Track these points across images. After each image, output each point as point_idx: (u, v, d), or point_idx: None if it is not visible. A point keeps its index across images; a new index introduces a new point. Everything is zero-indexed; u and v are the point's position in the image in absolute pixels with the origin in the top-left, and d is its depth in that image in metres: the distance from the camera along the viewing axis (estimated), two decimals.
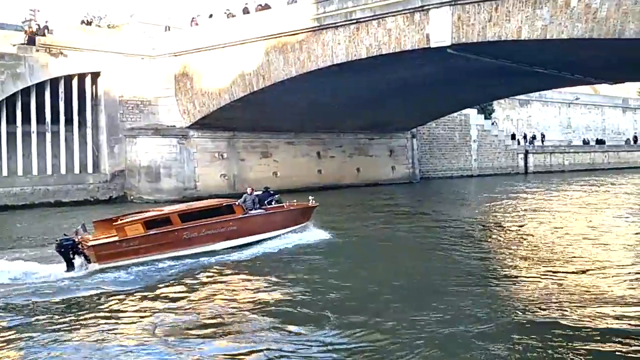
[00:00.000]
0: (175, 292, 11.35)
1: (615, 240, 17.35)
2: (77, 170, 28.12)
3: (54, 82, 27.13)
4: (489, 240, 18.28)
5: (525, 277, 12.46)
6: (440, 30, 20.09)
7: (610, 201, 28.95)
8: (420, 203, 30.06)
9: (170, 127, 29.74)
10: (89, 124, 28.51)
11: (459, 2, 19.54)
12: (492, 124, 52.04)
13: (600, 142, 63.29)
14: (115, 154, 29.23)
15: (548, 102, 61.66)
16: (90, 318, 9.73)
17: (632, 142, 67.65)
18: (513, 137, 54.06)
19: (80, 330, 9.12)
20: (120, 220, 14.55)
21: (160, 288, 11.67)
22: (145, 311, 10.15)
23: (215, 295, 11.19)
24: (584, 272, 12.90)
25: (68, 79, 27.57)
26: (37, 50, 26.44)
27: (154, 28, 31.21)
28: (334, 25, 23.17)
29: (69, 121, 27.71)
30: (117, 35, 30.78)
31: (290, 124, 32.72)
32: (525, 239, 17.69)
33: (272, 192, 18.34)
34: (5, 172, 25.94)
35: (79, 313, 10.05)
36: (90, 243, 13.56)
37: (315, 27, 23.79)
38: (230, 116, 29.07)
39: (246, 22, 26.81)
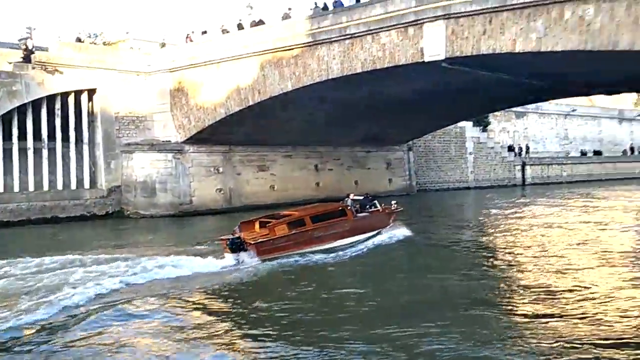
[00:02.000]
0: (313, 281, 13.96)
1: (614, 266, 15.55)
2: (73, 186, 28.00)
3: (51, 99, 27.10)
4: (486, 258, 17.68)
5: (523, 304, 11.66)
6: (435, 44, 20.15)
7: (610, 218, 28.03)
8: (419, 214, 29.77)
9: (166, 142, 29.74)
10: (85, 140, 28.43)
11: (452, 15, 19.61)
12: (487, 136, 52.16)
13: (597, 153, 63.47)
14: (111, 169, 29.17)
15: (544, 114, 61.91)
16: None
17: (629, 153, 67.82)
18: (510, 149, 54.17)
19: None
20: (265, 220, 17.38)
21: (302, 278, 14.36)
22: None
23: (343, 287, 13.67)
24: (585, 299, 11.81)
25: (64, 95, 27.56)
26: (33, 68, 26.44)
27: (149, 45, 31.34)
28: (328, 40, 23.25)
29: (65, 137, 27.62)
30: (113, 52, 30.88)
31: (287, 138, 32.72)
32: (523, 261, 16.57)
33: (370, 197, 20.81)
34: (1, 189, 25.80)
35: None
36: (252, 241, 16.03)
37: (310, 42, 23.87)
38: (226, 130, 29.09)
39: (240, 38, 26.91)
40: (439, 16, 19.89)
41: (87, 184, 28.51)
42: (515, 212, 29.83)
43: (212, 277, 14.20)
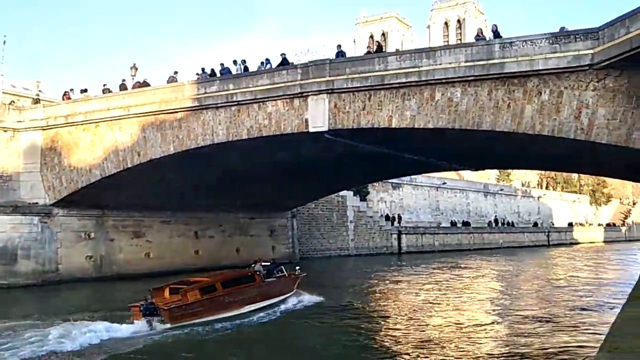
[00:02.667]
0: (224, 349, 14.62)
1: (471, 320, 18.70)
2: None
3: None
4: (368, 319, 18.88)
5: None
6: (318, 116, 20.81)
7: (470, 286, 30.57)
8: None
9: (33, 204, 27.43)
10: None
11: (335, 90, 20.49)
12: (367, 205, 54.08)
13: (466, 223, 67.98)
14: None
15: (418, 186, 65.72)
16: None
17: (493, 225, 73.43)
18: (387, 218, 56.42)
19: None
20: (181, 285, 17.69)
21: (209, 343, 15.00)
22: None
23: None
24: None
25: None
26: None
27: (21, 100, 29.36)
28: (214, 105, 23.20)
29: None
30: None
31: (166, 203, 31.56)
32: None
33: (277, 263, 22.14)
34: None
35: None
36: (165, 307, 16.16)
37: (195, 106, 23.65)
38: (100, 193, 27.52)
39: (123, 99, 26.05)
40: (323, 90, 20.68)
41: None
42: (396, 279, 31.36)
43: (123, 343, 14.38)
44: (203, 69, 25.69)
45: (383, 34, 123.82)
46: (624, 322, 4.09)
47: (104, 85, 28.41)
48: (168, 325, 15.86)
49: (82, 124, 26.93)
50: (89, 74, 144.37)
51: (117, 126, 25.84)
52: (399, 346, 14.85)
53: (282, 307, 19.59)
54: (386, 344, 15.22)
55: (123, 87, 27.53)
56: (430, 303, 22.75)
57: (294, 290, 21.30)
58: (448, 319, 18.57)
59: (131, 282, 28.11)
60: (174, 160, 24.86)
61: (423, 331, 16.76)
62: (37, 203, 27.50)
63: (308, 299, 20.97)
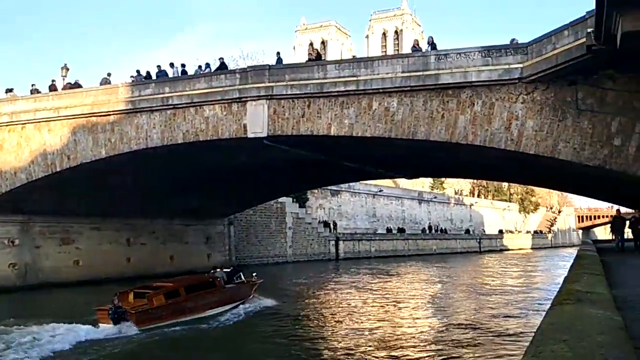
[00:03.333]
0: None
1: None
2: None
3: None
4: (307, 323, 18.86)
5: None
6: (257, 121, 20.67)
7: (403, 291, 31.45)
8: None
9: None
10: None
11: (275, 96, 20.43)
12: (305, 212, 54.18)
13: (401, 230, 69.32)
14: None
15: (356, 193, 66.46)
16: None
17: (427, 231, 75.26)
18: (326, 224, 56.71)
19: None
20: (145, 289, 18.64)
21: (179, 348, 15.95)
22: None
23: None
24: None
25: None
26: None
27: None
28: (149, 108, 22.62)
29: None
30: None
31: (97, 209, 30.36)
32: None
33: (236, 269, 23.79)
34: None
35: None
36: (132, 311, 16.95)
37: (129, 109, 22.98)
38: (26, 198, 26.19)
39: (52, 100, 24.94)
40: (262, 96, 20.57)
41: None
42: (332, 286, 31.61)
43: (96, 346, 14.90)
44: (138, 71, 25.06)
45: (323, 42, 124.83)
46: (547, 327, 4.22)
47: (32, 85, 27.15)
48: (135, 329, 16.56)
49: (7, 125, 25.59)
50: (16, 74, 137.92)
51: (46, 128, 24.73)
52: (335, 351, 15.14)
53: (241, 310, 20.63)
54: (321, 347, 15.76)
55: (53, 87, 26.41)
56: (365, 308, 23.24)
57: (252, 296, 22.48)
58: (377, 325, 19.05)
59: (59, 290, 26.95)
60: (106, 164, 24.02)
61: (354, 336, 17.15)
62: None
63: (263, 303, 22.27)
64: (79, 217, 30.26)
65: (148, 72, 24.44)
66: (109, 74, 26.17)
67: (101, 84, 25.07)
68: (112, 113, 23.28)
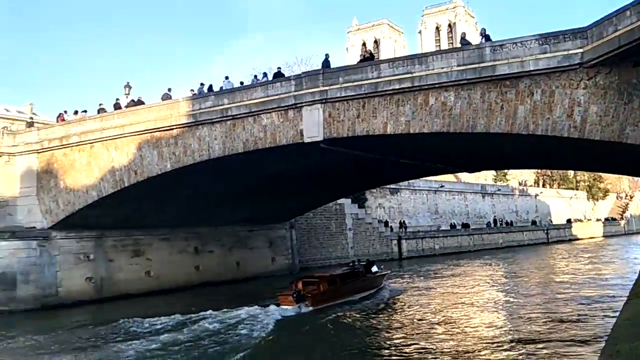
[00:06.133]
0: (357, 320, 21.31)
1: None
2: None
3: None
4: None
5: None
6: (313, 126, 20.86)
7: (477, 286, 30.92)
8: None
9: (30, 228, 27.32)
10: None
11: (329, 100, 20.56)
12: (365, 212, 54.07)
13: (465, 225, 67.96)
14: None
15: (416, 190, 65.75)
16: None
17: (492, 225, 73.47)
18: (386, 224, 56.39)
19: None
20: (309, 279, 24.71)
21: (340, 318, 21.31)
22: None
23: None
24: None
25: None
26: None
27: (15, 124, 29.34)
28: (210, 121, 23.24)
29: None
30: None
31: (165, 220, 31.45)
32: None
33: (371, 262, 28.86)
34: None
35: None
36: (309, 294, 22.76)
37: (191, 122, 23.68)
38: (98, 214, 27.42)
39: (118, 119, 26.06)
40: (317, 100, 20.75)
41: None
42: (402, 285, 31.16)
43: (292, 320, 20.74)
44: (202, 84, 25.84)
45: (375, 41, 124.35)
46: (623, 323, 4.08)
47: (100, 104, 28.44)
48: (310, 308, 22.03)
49: (77, 145, 26.92)
50: (83, 96, 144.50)
51: (112, 146, 25.85)
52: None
53: (379, 295, 26.39)
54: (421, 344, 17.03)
55: (117, 106, 27.56)
56: (436, 307, 23.42)
57: (383, 284, 28.16)
58: (456, 323, 19.37)
59: (132, 301, 28.01)
60: (171, 176, 24.87)
61: (438, 336, 17.61)
62: (34, 227, 27.39)
63: (395, 288, 28.91)
64: (148, 229, 31.44)
65: (210, 86, 25.19)
66: (169, 89, 27.11)
67: (162, 99, 25.96)
68: (174, 127, 24.08)
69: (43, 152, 27.79)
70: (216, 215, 33.74)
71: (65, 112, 29.99)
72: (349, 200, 50.84)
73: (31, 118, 33.98)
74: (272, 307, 21.79)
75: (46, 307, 26.41)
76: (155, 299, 28.67)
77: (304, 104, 21.07)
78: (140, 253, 31.43)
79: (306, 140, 21.18)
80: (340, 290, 24.03)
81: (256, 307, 21.97)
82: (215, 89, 24.84)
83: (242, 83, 24.02)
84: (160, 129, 24.40)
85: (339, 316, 21.22)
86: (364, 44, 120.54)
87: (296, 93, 21.18)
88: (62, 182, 27.24)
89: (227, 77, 24.81)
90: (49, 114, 47.31)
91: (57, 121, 29.49)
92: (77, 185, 26.81)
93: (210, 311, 21.56)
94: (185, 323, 20.18)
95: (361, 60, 23.10)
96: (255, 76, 24.24)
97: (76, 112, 29.22)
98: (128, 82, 29.80)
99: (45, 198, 27.63)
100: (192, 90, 25.78)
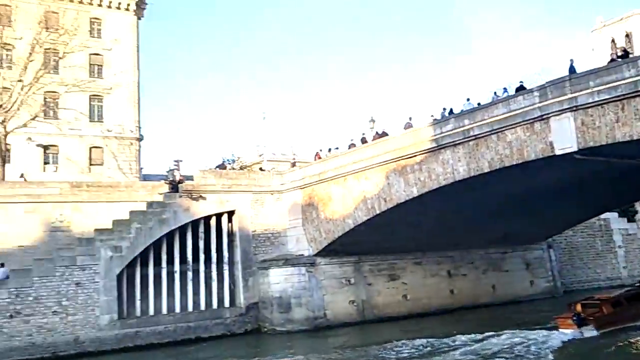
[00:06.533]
0: None
1: None
2: (215, 305, 29.28)
3: (195, 223, 29.37)
4: None
5: None
6: (564, 136, 19.48)
7: None
8: None
9: (299, 256, 30.60)
10: (225, 259, 30.09)
11: (580, 107, 19.02)
12: (638, 227, 47.63)
13: None
14: (249, 286, 30.28)
15: None
16: None
17: None
18: None
19: None
20: (589, 301, 23.37)
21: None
22: None
23: None
24: None
25: (207, 219, 29.76)
26: (180, 196, 29.08)
27: (280, 165, 33.50)
28: (452, 143, 23.37)
29: (207, 258, 29.45)
30: (249, 175, 33.38)
31: (416, 244, 32.27)
32: None
33: None
34: (152, 312, 27.60)
35: None
36: (592, 317, 21.62)
37: (433, 147, 24.13)
38: (354, 241, 29.43)
39: (365, 150, 27.91)
40: (565, 109, 19.39)
41: (227, 303, 29.73)
42: None
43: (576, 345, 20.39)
44: (444, 108, 26.40)
45: (627, 35, 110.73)
46: None
47: (351, 140, 30.91)
48: (595, 332, 21.05)
49: (332, 179, 29.46)
50: (332, 134, 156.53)
51: (363, 176, 27.66)
52: None
53: None
54: None
55: (363, 140, 29.57)
56: None
57: None
58: None
59: (391, 324, 29.13)
60: (418, 201, 25.51)
61: None
62: (302, 254, 30.62)
63: None
64: (401, 253, 32.62)
65: (451, 109, 25.55)
66: (410, 118, 28.16)
67: (405, 129, 27.04)
68: (418, 154, 24.80)
69: (305, 187, 31.07)
70: (466, 238, 33.37)
71: (321, 150, 33.23)
72: (615, 215, 45.49)
73: (293, 158, 38.40)
74: (549, 332, 21.60)
75: (317, 328, 29.07)
76: (411, 322, 29.39)
77: (551, 115, 19.86)
78: (396, 277, 32.67)
79: (557, 152, 19.85)
80: (628, 312, 22.42)
81: (533, 331, 22.01)
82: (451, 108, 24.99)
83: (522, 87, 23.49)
84: (405, 157, 25.35)
85: (631, 342, 19.87)
86: (613, 41, 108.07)
87: (541, 104, 20.10)
88: (322, 213, 30.03)
89: (468, 99, 24.79)
90: (307, 153, 52.87)
91: (315, 159, 32.81)
92: (335, 215, 29.25)
93: (486, 333, 22.50)
94: (467, 343, 21.68)
95: (612, 60, 20.94)
96: (495, 92, 23.66)
97: (329, 150, 32.18)
98: (372, 117, 31.78)
99: (310, 228, 30.71)
100: (432, 115, 26.34)
